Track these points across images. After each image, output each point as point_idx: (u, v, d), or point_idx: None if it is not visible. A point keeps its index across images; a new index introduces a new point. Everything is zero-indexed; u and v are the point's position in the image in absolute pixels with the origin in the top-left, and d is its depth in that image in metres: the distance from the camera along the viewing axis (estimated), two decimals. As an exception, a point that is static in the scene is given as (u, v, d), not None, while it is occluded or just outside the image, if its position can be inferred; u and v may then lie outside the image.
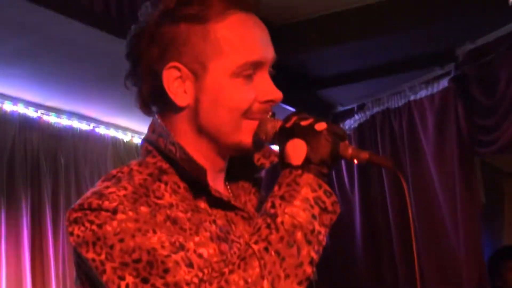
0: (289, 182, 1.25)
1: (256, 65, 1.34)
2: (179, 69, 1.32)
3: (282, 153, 1.30)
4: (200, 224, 1.29)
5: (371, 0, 4.10)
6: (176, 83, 1.33)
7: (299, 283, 1.19)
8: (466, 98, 4.22)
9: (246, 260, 1.17)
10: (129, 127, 4.90)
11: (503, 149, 4.13)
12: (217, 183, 1.41)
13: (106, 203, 1.20)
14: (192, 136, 1.37)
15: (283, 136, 1.31)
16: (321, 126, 1.27)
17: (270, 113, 1.38)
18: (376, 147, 4.77)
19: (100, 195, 1.23)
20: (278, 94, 1.37)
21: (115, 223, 1.19)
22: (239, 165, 1.46)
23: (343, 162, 4.75)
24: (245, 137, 1.36)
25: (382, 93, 4.77)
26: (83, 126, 4.65)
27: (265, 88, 1.36)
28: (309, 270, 1.20)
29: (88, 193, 1.25)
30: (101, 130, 4.82)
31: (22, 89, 4.09)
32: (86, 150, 4.66)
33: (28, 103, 4.23)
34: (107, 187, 1.25)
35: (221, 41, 1.33)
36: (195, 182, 1.32)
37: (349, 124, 4.96)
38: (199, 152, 1.35)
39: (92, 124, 4.72)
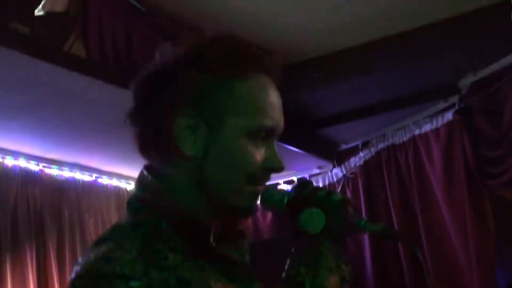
0: (312, 250, 1.30)
1: (270, 132, 1.35)
2: (193, 118, 1.29)
3: (296, 221, 1.33)
4: (208, 284, 1.27)
5: (370, 37, 4.12)
6: (187, 131, 1.29)
7: None
8: (471, 130, 4.18)
9: None
10: (131, 176, 4.86)
11: (511, 182, 4.07)
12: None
13: (118, 268, 1.15)
14: (191, 189, 1.34)
15: (297, 205, 1.35)
16: (337, 196, 1.34)
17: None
18: (383, 184, 4.74)
19: (107, 259, 1.16)
20: (281, 165, 1.37)
21: None
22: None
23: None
24: (245, 202, 1.35)
25: (386, 129, 4.76)
26: (86, 177, 4.64)
27: (271, 157, 1.36)
28: None
29: (91, 258, 1.18)
30: (104, 180, 4.80)
31: (23, 143, 4.08)
32: (90, 201, 4.64)
33: (30, 157, 4.22)
34: (112, 250, 1.18)
35: (244, 100, 1.32)
36: (195, 240, 1.30)
37: (354, 161, 4.93)
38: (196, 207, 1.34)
39: (94, 175, 4.70)
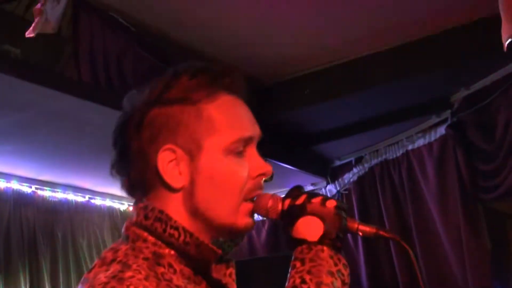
0: (312, 258, 1.32)
1: (247, 141, 1.38)
2: (173, 151, 1.33)
3: (292, 230, 1.36)
4: None
5: (362, 53, 4.15)
6: (171, 165, 1.33)
7: None
8: (464, 144, 4.19)
9: None
10: (125, 196, 4.85)
11: (506, 195, 4.07)
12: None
13: (132, 287, 1.16)
14: (186, 218, 1.35)
15: (293, 213, 1.36)
16: (331, 203, 1.35)
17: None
18: (377, 199, 4.74)
19: (120, 279, 1.17)
20: (268, 168, 1.41)
21: None
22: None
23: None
24: (241, 220, 1.38)
25: (379, 144, 4.77)
26: (79, 198, 4.62)
27: (256, 164, 1.39)
28: None
29: (101, 278, 1.19)
30: (97, 201, 4.78)
31: (15, 165, 4.07)
32: (83, 222, 4.62)
33: (22, 179, 4.20)
34: (121, 271, 1.19)
35: (214, 120, 1.36)
36: (197, 266, 1.33)
37: (348, 178, 4.92)
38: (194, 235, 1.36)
39: (87, 196, 4.68)
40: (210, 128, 1.36)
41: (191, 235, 1.31)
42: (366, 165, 4.83)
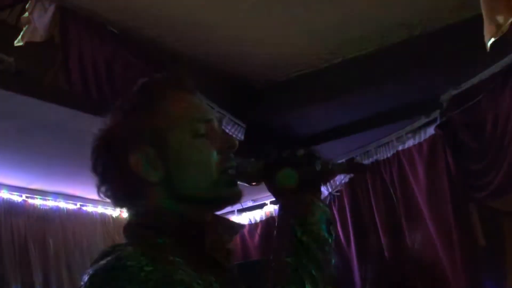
0: (295, 204, 1.42)
1: (205, 123, 1.50)
2: (143, 150, 1.46)
3: (274, 185, 1.46)
4: (210, 281, 1.38)
5: (351, 55, 4.20)
6: (144, 163, 1.46)
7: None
8: (454, 143, 4.22)
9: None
10: (117, 203, 4.86)
11: (497, 193, 4.11)
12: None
13: (129, 262, 1.26)
14: (174, 204, 1.47)
15: (270, 171, 1.47)
16: (300, 151, 1.46)
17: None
18: (368, 201, 4.79)
19: (118, 257, 1.27)
20: (232, 140, 1.53)
21: (143, 273, 1.25)
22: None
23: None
24: (224, 190, 1.48)
25: (369, 145, 4.80)
26: (70, 205, 4.61)
27: (220, 139, 1.51)
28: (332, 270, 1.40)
29: (101, 263, 1.28)
30: (89, 208, 4.77)
31: (5, 174, 4.06)
32: (75, 229, 4.62)
33: (12, 188, 4.20)
34: (119, 257, 1.29)
35: (171, 114, 1.49)
36: (191, 247, 1.42)
37: (339, 179, 4.96)
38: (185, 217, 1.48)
39: (79, 203, 4.68)
40: (170, 122, 1.48)
41: (182, 215, 1.43)
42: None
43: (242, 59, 4.22)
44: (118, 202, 1.51)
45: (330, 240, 1.41)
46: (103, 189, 1.51)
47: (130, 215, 1.49)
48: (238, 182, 1.50)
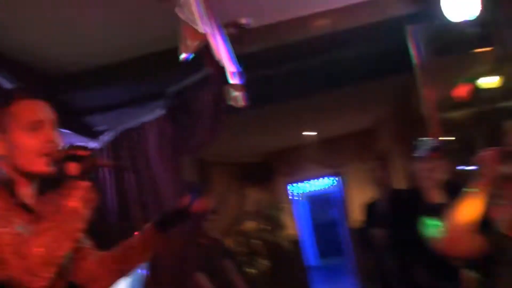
0: (69, 188, 1.82)
1: (37, 122, 1.93)
2: None
3: (65, 172, 1.86)
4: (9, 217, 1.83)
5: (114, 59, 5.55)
6: None
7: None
8: (174, 119, 5.56)
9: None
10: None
11: (196, 148, 5.58)
12: (27, 195, 2.00)
13: None
14: (12, 170, 1.97)
15: (64, 162, 1.90)
16: (81, 152, 1.89)
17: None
18: (124, 153, 5.78)
19: None
20: (50, 138, 1.92)
21: None
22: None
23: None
24: (41, 167, 1.92)
25: (126, 119, 5.93)
26: None
27: (44, 136, 1.93)
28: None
29: None
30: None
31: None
32: None
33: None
34: None
35: (16, 113, 1.94)
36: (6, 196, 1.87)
37: (103, 139, 5.94)
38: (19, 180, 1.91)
39: None
40: (12, 118, 1.92)
41: (4, 173, 1.88)
42: (117, 132, 5.91)
43: (45, 55, 5.10)
44: None
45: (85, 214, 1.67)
46: None
47: None
48: None
